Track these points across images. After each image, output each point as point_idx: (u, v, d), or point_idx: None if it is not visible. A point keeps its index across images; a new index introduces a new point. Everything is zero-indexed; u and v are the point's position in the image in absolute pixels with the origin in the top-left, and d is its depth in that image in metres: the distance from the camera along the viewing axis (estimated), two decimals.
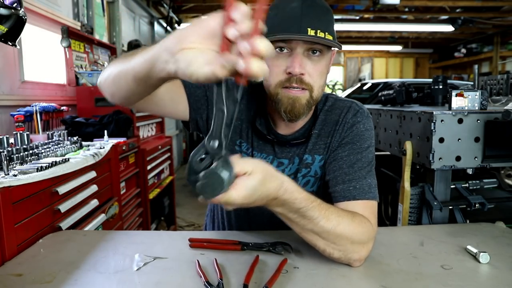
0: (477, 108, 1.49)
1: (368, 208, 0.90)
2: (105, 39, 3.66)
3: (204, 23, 0.54)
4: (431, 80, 2.05)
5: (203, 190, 0.61)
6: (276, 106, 0.92)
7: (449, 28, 7.76)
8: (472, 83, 2.39)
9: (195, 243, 0.95)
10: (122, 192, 2.01)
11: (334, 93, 10.23)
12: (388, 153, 1.93)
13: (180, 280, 0.78)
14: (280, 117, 0.96)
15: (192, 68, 0.53)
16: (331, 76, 12.60)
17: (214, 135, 0.60)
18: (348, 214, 0.84)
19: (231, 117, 0.59)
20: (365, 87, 5.90)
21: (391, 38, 10.22)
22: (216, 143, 0.60)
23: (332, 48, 0.93)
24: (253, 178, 0.66)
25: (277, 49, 0.88)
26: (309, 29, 0.85)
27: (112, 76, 0.79)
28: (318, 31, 0.85)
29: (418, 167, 1.67)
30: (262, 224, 1.10)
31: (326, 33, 0.87)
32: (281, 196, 0.72)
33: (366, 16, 7.77)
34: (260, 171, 0.67)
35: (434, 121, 1.39)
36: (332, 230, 0.79)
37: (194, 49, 0.54)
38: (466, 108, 1.48)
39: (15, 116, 1.86)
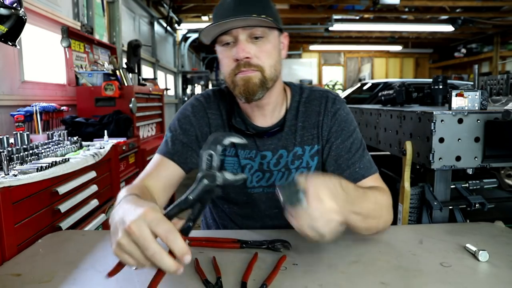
0: (477, 108, 1.49)
1: (377, 180, 1.03)
2: (105, 39, 3.66)
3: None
4: (431, 80, 2.05)
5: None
6: (234, 91, 0.98)
7: (449, 28, 7.76)
8: (472, 83, 2.39)
9: (194, 242, 0.95)
10: None
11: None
12: (388, 153, 1.93)
13: (178, 278, 0.78)
14: (251, 108, 1.04)
15: None
16: (331, 76, 12.61)
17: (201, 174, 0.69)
18: (370, 189, 0.95)
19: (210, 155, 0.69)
20: (365, 87, 5.90)
21: (391, 38, 10.22)
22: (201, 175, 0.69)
23: (282, 33, 1.02)
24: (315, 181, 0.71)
25: (224, 44, 0.96)
26: (244, 15, 0.91)
27: None
28: (254, 15, 0.91)
29: (418, 167, 1.67)
30: (256, 229, 1.11)
31: (263, 15, 0.92)
32: (346, 185, 0.77)
33: (366, 16, 7.77)
34: (310, 178, 0.72)
35: (434, 121, 1.39)
36: (376, 206, 0.88)
37: None
38: (466, 108, 1.48)
39: (15, 116, 1.87)
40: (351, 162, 1.02)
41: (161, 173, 1.02)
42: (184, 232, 0.64)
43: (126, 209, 0.65)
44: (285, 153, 1.06)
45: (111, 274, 0.67)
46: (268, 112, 1.06)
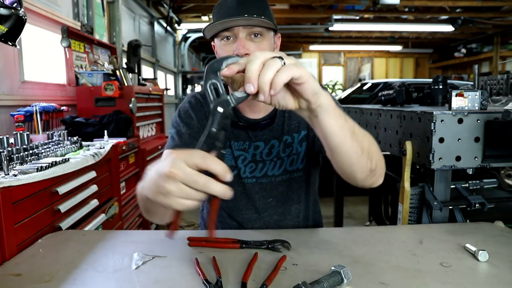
0: (477, 108, 1.49)
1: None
2: (105, 39, 3.66)
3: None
4: (431, 80, 2.05)
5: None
6: (232, 86, 0.98)
7: (449, 28, 7.76)
8: (472, 83, 2.39)
9: (193, 242, 0.95)
10: (122, 192, 2.01)
11: (334, 93, 10.17)
12: (388, 153, 1.93)
13: (178, 278, 0.78)
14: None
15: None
16: (331, 76, 12.61)
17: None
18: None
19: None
20: (365, 87, 5.89)
21: (391, 38, 10.22)
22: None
23: (276, 34, 1.09)
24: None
25: (224, 39, 1.03)
26: (246, 15, 0.98)
27: (145, 209, 0.89)
28: (254, 15, 0.99)
29: (418, 167, 1.67)
30: (252, 221, 1.14)
31: (262, 16, 1.00)
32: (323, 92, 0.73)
33: (366, 16, 7.77)
34: None
35: (434, 121, 1.39)
36: (362, 132, 0.83)
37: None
38: (466, 108, 1.48)
39: (15, 116, 1.87)
40: None
41: None
42: (220, 158, 0.63)
43: (154, 169, 0.65)
44: (277, 143, 1.13)
45: (171, 233, 0.69)
46: (260, 107, 1.13)
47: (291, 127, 1.14)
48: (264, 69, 0.62)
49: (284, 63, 0.63)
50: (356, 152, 0.79)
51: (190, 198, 0.60)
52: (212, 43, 1.10)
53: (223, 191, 0.60)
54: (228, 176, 0.60)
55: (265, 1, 1.06)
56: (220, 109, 0.67)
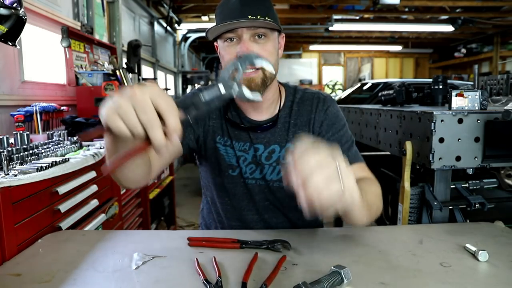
0: (477, 108, 1.49)
1: (364, 168, 1.08)
2: (105, 39, 3.66)
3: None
4: (431, 80, 2.05)
5: None
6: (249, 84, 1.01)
7: (449, 28, 7.76)
8: (472, 83, 2.39)
9: (193, 242, 0.95)
10: (122, 192, 2.01)
11: (334, 93, 10.13)
12: (388, 153, 1.93)
13: (178, 278, 0.78)
14: (246, 103, 1.08)
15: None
16: (331, 76, 12.61)
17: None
18: (361, 180, 0.95)
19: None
20: (365, 87, 5.90)
21: (391, 38, 10.22)
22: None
23: (280, 34, 1.08)
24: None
25: (227, 40, 1.01)
26: (249, 16, 0.96)
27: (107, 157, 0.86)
28: (258, 16, 0.96)
29: (418, 167, 1.67)
30: (253, 224, 1.13)
31: (266, 17, 0.98)
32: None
33: (366, 16, 7.77)
34: None
35: (434, 121, 1.39)
36: (373, 196, 0.92)
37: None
38: (466, 108, 1.48)
39: (15, 116, 1.87)
40: (341, 151, 1.05)
41: None
42: (182, 121, 0.62)
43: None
44: (278, 148, 1.12)
45: (111, 167, 0.67)
46: (263, 108, 1.12)
47: (296, 135, 1.12)
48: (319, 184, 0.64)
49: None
50: (362, 219, 0.87)
51: (128, 123, 0.58)
52: (215, 44, 1.09)
53: (160, 141, 0.58)
54: (175, 137, 0.59)
55: (269, 1, 1.04)
56: (221, 89, 0.66)
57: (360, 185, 0.86)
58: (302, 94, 1.16)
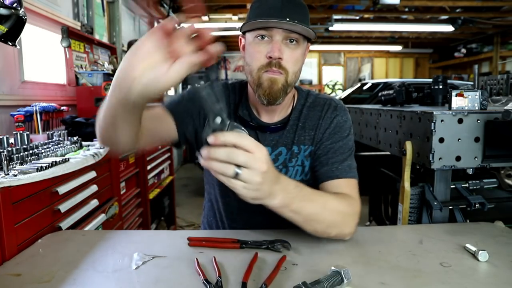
0: (477, 108, 1.49)
1: (350, 185, 1.03)
2: (105, 39, 3.66)
3: (145, 43, 0.64)
4: (431, 80, 2.05)
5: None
6: (257, 90, 1.00)
7: (449, 28, 7.75)
8: (472, 83, 2.39)
9: (194, 242, 0.95)
10: (122, 192, 2.01)
11: (334, 93, 10.10)
12: (388, 153, 1.93)
13: (179, 278, 0.78)
14: (261, 105, 1.06)
15: (158, 78, 0.64)
16: (331, 76, 12.61)
17: (212, 115, 0.68)
18: (331, 193, 0.98)
19: (216, 95, 0.68)
20: (365, 87, 5.90)
21: (391, 38, 10.21)
22: (219, 119, 0.68)
23: (308, 43, 1.05)
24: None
25: (259, 37, 0.98)
26: (288, 19, 0.94)
27: (101, 127, 0.84)
28: (296, 21, 0.94)
29: (418, 167, 1.67)
30: (256, 224, 1.13)
31: (303, 24, 0.95)
32: (281, 176, 0.79)
33: (366, 16, 7.76)
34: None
35: (434, 121, 1.39)
36: (324, 209, 0.88)
37: (148, 65, 0.63)
38: (466, 108, 1.48)
39: (15, 116, 1.87)
40: (332, 161, 1.05)
41: (154, 120, 1.01)
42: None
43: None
44: (285, 150, 1.11)
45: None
46: (276, 112, 1.11)
47: (301, 138, 1.12)
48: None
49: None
50: (313, 231, 0.90)
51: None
52: (240, 37, 1.07)
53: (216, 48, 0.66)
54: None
55: (307, 9, 1.02)
56: (217, 120, 0.69)
57: (319, 198, 0.90)
58: (314, 98, 1.15)
